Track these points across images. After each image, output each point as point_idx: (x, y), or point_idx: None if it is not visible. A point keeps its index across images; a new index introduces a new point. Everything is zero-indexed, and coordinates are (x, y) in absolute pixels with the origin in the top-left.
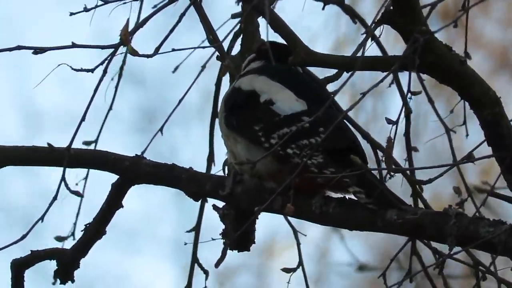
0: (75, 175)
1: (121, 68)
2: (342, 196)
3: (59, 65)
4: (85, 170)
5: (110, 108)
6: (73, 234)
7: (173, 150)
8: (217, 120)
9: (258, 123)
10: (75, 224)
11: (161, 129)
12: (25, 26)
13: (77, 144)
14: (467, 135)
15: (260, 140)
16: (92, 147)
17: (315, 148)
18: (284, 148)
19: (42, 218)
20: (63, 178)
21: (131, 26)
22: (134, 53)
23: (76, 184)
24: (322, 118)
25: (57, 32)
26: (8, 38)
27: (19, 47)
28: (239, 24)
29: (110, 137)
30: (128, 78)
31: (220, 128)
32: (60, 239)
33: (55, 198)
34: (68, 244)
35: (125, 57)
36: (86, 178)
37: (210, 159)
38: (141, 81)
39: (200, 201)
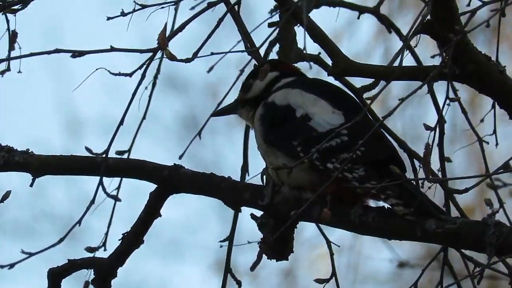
0: (115, 184)
1: (155, 77)
2: (381, 205)
3: (97, 69)
4: (125, 179)
5: (144, 118)
6: (104, 245)
7: (216, 158)
8: (251, 132)
9: (296, 138)
10: (106, 234)
11: (199, 134)
12: (64, 31)
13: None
14: (496, 144)
15: (299, 156)
16: (125, 156)
17: (348, 160)
18: (324, 163)
19: (79, 222)
20: (100, 183)
21: (169, 31)
22: (172, 57)
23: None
24: (361, 131)
25: (97, 36)
26: (48, 43)
27: (57, 51)
28: (276, 32)
29: (152, 144)
30: (171, 85)
31: (258, 144)
32: (91, 250)
33: (92, 202)
34: (106, 253)
35: (160, 62)
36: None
37: (244, 168)
38: (184, 88)
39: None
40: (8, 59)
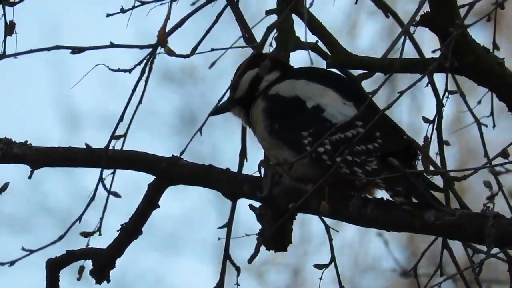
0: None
1: (151, 66)
2: (380, 197)
3: (96, 65)
4: (123, 171)
5: (140, 102)
6: (99, 229)
7: (215, 151)
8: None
9: (307, 129)
10: (101, 219)
11: (200, 130)
12: (64, 28)
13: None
14: (494, 126)
15: (305, 148)
16: (121, 141)
17: (346, 147)
18: (332, 157)
19: (79, 219)
20: (100, 179)
21: (169, 26)
22: (171, 53)
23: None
24: (376, 122)
25: (97, 33)
26: (47, 39)
27: (57, 47)
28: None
29: (150, 137)
30: (169, 79)
31: (260, 136)
32: (86, 234)
33: (92, 198)
34: (104, 243)
35: (153, 55)
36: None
37: (243, 155)
38: (185, 83)
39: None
40: (7, 56)
